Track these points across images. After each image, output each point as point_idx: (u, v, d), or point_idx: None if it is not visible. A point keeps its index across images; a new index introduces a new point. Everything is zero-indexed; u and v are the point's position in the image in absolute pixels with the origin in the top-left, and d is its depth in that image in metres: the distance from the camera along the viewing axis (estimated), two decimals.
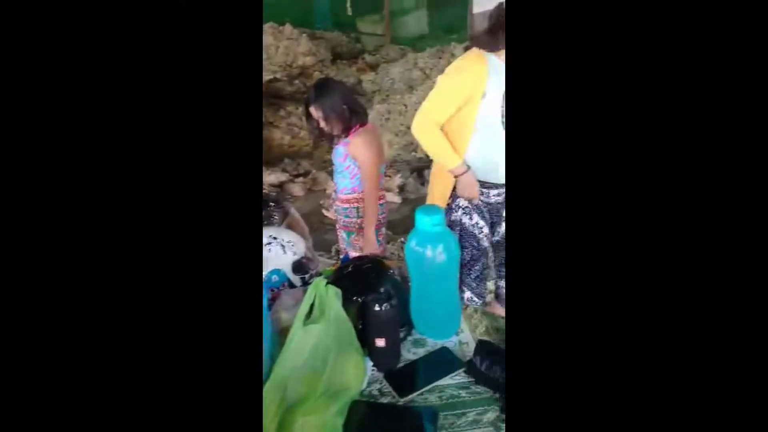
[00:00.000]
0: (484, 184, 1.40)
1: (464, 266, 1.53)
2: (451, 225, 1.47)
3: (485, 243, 1.52)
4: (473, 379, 0.73)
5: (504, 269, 1.59)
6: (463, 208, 1.45)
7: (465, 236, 1.49)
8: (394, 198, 3.19)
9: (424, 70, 4.17)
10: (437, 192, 1.44)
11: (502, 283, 1.63)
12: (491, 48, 1.30)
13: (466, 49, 1.43)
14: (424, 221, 0.82)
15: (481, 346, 0.76)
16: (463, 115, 1.30)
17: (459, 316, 0.88)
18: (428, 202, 1.51)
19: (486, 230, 1.49)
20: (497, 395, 0.69)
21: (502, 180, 1.41)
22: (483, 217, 1.48)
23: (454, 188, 1.40)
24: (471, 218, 1.46)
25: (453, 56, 4.17)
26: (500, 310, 1.75)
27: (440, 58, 4.22)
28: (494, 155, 1.36)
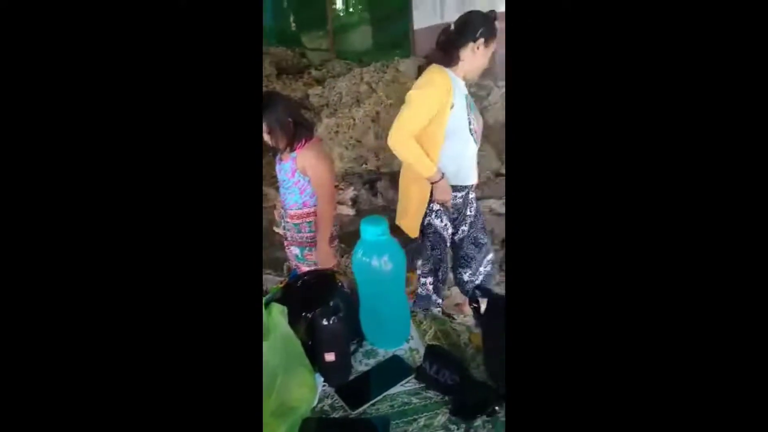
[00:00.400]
0: (453, 188, 1.51)
1: (434, 267, 1.65)
2: (425, 228, 1.58)
3: (449, 243, 1.65)
4: (423, 385, 0.74)
5: (466, 260, 1.72)
6: (435, 212, 1.56)
7: (436, 239, 1.60)
8: (347, 210, 3.19)
9: (371, 84, 4.24)
10: (415, 199, 1.53)
11: (464, 270, 1.74)
12: (446, 63, 1.44)
13: (422, 67, 1.50)
14: (369, 231, 0.83)
15: (430, 350, 0.78)
16: (434, 126, 1.41)
17: (408, 323, 0.89)
18: (403, 209, 1.59)
19: (450, 230, 1.62)
20: (447, 398, 0.71)
21: (467, 182, 1.56)
22: (449, 219, 1.58)
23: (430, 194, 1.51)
24: (441, 220, 1.58)
25: (398, 71, 4.28)
26: (466, 306, 1.82)
27: (385, 72, 4.32)
28: (463, 160, 1.51)
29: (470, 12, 1.46)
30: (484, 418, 0.66)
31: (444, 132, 1.42)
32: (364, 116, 3.76)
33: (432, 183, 1.46)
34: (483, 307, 0.81)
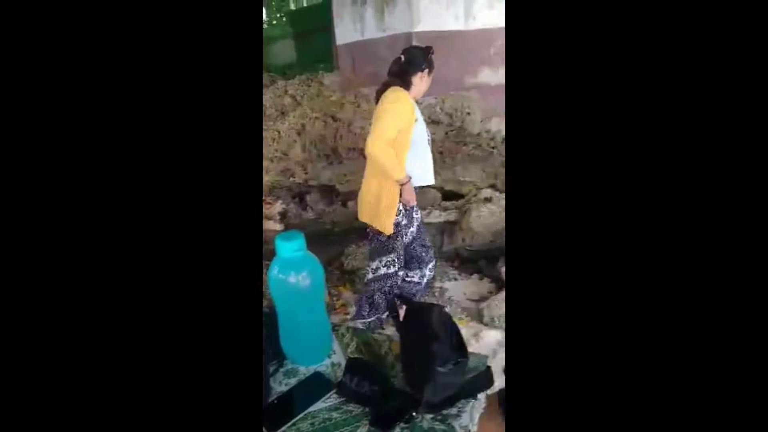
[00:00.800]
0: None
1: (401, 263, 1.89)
2: (394, 227, 1.82)
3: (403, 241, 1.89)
4: (345, 398, 0.74)
5: (417, 262, 1.96)
6: (400, 213, 1.81)
7: (398, 238, 1.86)
8: (275, 225, 3.10)
9: (295, 96, 4.20)
10: (384, 200, 1.78)
11: (413, 273, 1.99)
12: (404, 87, 1.77)
13: (380, 91, 1.80)
14: (284, 248, 0.81)
15: (351, 363, 0.78)
16: (402, 137, 1.72)
17: (330, 338, 0.89)
18: (372, 210, 1.82)
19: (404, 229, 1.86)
20: (367, 409, 0.71)
21: (427, 183, 1.87)
22: (406, 218, 1.86)
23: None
24: (403, 220, 1.83)
25: (322, 84, 4.29)
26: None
27: (309, 86, 4.31)
28: (423, 167, 1.83)
29: (412, 47, 1.88)
30: (402, 425, 0.67)
31: (409, 142, 1.73)
32: (289, 129, 3.71)
33: (401, 185, 1.74)
34: (401, 314, 0.83)
